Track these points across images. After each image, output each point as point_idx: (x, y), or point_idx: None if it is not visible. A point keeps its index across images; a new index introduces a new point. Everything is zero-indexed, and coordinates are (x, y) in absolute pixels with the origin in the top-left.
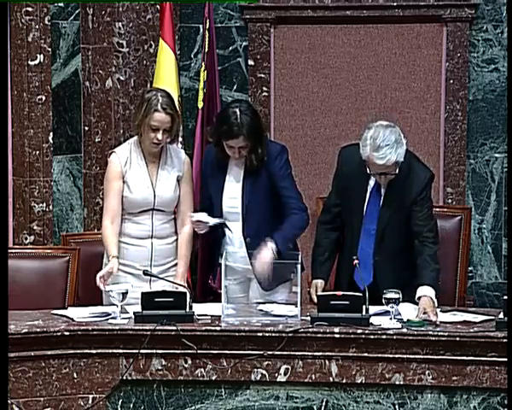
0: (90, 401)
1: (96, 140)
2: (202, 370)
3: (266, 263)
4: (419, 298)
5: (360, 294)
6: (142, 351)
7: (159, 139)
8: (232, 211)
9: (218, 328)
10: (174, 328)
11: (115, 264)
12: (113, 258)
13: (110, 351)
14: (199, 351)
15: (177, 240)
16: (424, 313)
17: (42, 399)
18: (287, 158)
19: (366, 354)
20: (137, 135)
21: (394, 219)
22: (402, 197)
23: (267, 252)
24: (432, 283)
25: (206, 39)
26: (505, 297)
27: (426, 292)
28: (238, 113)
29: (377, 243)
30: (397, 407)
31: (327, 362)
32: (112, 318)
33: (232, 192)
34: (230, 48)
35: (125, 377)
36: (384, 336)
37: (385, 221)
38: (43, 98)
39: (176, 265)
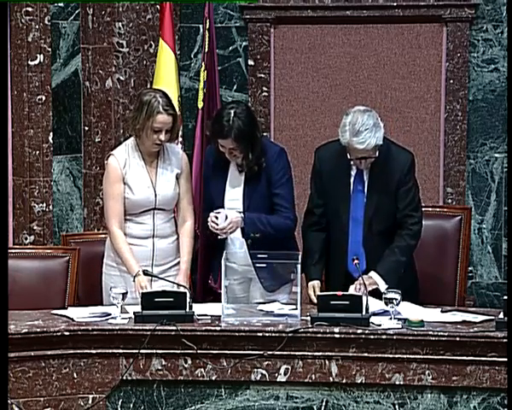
0: (90, 401)
1: (96, 140)
2: (202, 370)
3: (232, 221)
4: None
5: (360, 294)
6: (142, 351)
7: (161, 140)
8: None
9: (218, 328)
10: (174, 328)
11: (144, 280)
12: (139, 275)
13: (110, 351)
14: (199, 351)
15: (177, 239)
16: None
17: (42, 399)
18: (285, 162)
19: (366, 354)
20: (136, 137)
21: (381, 204)
22: (386, 182)
23: (234, 213)
24: (384, 273)
25: (206, 39)
26: (505, 297)
27: (372, 275)
28: (232, 115)
29: (366, 230)
30: (397, 407)
31: (327, 362)
32: (112, 318)
33: (233, 194)
34: (230, 48)
35: (125, 377)
36: (384, 336)
37: (372, 208)
38: (43, 98)
39: (177, 264)
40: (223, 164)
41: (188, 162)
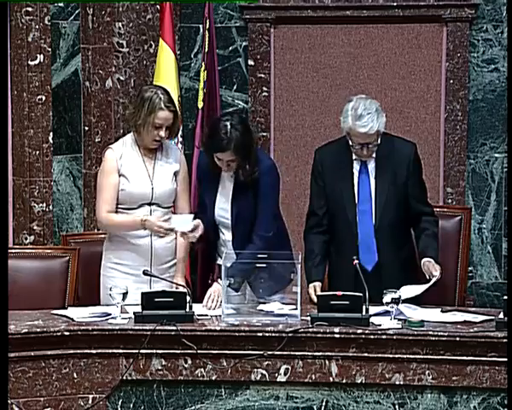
0: (90, 401)
1: (96, 140)
2: (202, 370)
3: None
4: (423, 264)
5: (360, 294)
6: (142, 351)
7: (161, 136)
8: (223, 220)
9: (218, 328)
10: (174, 328)
11: (156, 220)
12: (146, 221)
13: (110, 351)
14: (199, 351)
15: (175, 238)
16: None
17: (42, 399)
18: (275, 177)
19: (366, 354)
20: (135, 133)
21: (391, 195)
22: (393, 173)
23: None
24: (435, 258)
25: (206, 39)
26: (505, 297)
27: (431, 261)
28: (229, 127)
29: (377, 222)
30: (397, 407)
31: (327, 362)
32: (112, 318)
33: (223, 203)
34: (230, 48)
35: (125, 377)
36: (384, 336)
37: (383, 199)
38: (43, 98)
39: (175, 264)
40: (214, 173)
41: (185, 163)
